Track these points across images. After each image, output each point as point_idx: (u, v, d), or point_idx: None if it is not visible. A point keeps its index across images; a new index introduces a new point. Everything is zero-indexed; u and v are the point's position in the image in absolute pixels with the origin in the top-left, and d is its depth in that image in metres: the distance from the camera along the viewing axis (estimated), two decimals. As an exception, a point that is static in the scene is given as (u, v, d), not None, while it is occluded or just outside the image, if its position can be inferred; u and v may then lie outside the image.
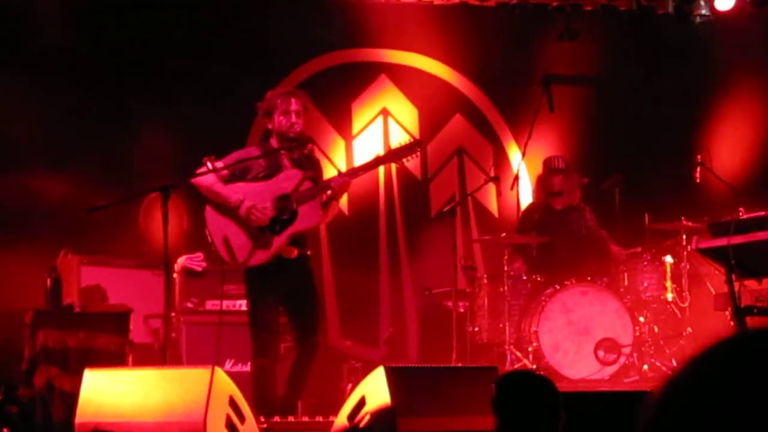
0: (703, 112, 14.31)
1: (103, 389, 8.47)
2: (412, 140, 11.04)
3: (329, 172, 11.46)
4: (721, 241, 11.07)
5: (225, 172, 9.70)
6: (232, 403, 8.28)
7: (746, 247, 10.92)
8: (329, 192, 9.93)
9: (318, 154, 12.72)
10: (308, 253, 10.10)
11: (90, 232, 11.40)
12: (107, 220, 11.01)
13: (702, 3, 13.91)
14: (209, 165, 9.66)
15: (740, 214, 11.28)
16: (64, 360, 9.21)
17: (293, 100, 9.96)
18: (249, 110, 10.42)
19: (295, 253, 9.89)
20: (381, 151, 13.11)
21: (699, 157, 12.05)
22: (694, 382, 1.47)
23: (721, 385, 1.44)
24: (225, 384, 8.30)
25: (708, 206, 12.01)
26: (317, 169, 10.22)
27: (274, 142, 9.93)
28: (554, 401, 5.54)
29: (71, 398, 8.57)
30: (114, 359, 9.35)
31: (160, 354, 10.14)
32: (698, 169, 11.93)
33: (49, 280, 10.05)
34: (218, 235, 9.74)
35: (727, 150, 13.96)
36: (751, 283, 11.28)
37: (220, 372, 8.30)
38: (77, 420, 8.38)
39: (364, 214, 13.72)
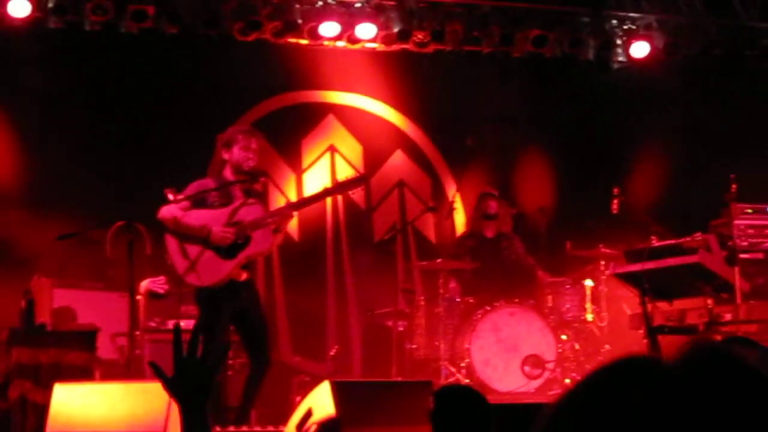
0: (620, 150, 14.37)
1: (72, 402, 8.46)
2: (357, 175, 11.15)
3: (280, 203, 11.48)
4: (636, 267, 11.15)
5: (186, 203, 9.77)
6: (190, 415, 8.24)
7: (658, 272, 10.99)
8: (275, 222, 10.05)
9: (271, 187, 12.82)
10: (253, 278, 10.21)
11: (60, 258, 11.32)
12: (75, 247, 10.96)
13: (619, 51, 13.97)
14: (170, 196, 9.74)
15: (652, 242, 11.36)
16: (37, 375, 9.17)
17: (253, 139, 10.09)
18: (209, 145, 10.40)
19: (244, 276, 9.97)
20: (329, 184, 13.11)
21: (616, 190, 12.11)
22: (576, 401, 1.49)
23: (595, 405, 1.46)
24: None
25: (624, 234, 12.05)
26: (264, 200, 10.34)
27: (227, 173, 9.98)
28: (485, 413, 5.57)
29: (43, 410, 8.54)
30: (82, 374, 9.32)
31: (125, 369, 10.13)
32: (615, 201, 11.98)
33: (23, 302, 10.02)
34: (178, 259, 9.80)
35: (641, 185, 14.05)
36: (662, 305, 11.36)
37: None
38: (48, 430, 8.36)
39: (313, 241, 13.71)
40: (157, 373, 3.77)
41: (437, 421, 5.57)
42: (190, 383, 3.73)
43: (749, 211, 12.76)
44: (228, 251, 9.84)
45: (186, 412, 3.73)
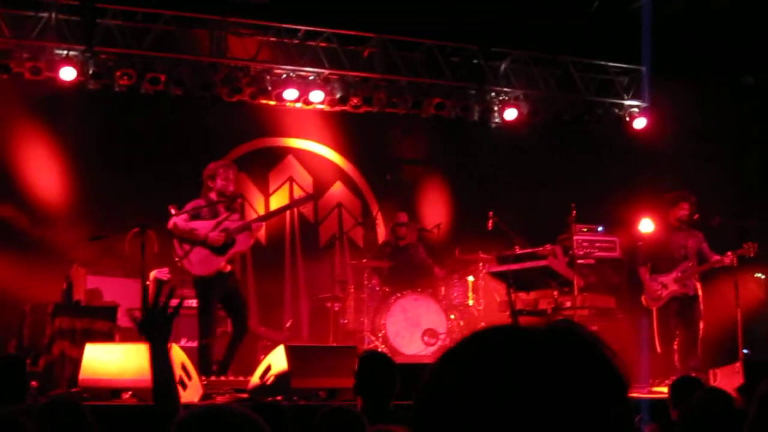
0: (494, 184, 14.42)
1: (98, 357, 8.41)
2: (308, 194, 11.24)
3: (252, 216, 11.46)
4: (504, 268, 11.26)
5: (185, 215, 9.82)
6: (183, 368, 8.25)
7: (519, 271, 11.12)
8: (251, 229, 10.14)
9: (246, 206, 12.80)
10: (234, 269, 10.25)
11: (92, 254, 11.25)
12: (103, 245, 10.89)
13: (496, 115, 14.02)
14: (172, 211, 9.80)
15: (516, 250, 11.44)
16: (73, 337, 9.07)
17: (231, 171, 10.13)
18: (200, 174, 10.38)
19: (228, 268, 10.01)
20: (287, 201, 13.15)
21: (490, 213, 12.15)
22: (449, 359, 1.46)
23: (462, 363, 1.44)
24: (178, 354, 8.29)
25: (496, 244, 12.11)
26: (241, 215, 10.41)
27: (213, 195, 10.00)
28: (392, 371, 5.61)
29: (77, 363, 8.47)
30: (106, 337, 9.24)
31: (137, 335, 10.05)
32: (490, 221, 12.02)
33: (64, 284, 9.94)
34: (179, 249, 9.85)
35: (508, 209, 14.11)
36: (522, 295, 11.48)
37: (175, 347, 8.34)
38: (80, 377, 8.33)
39: (276, 244, 13.67)
40: (133, 321, 3.74)
41: (359, 376, 5.61)
42: (156, 325, 3.71)
43: (585, 229, 12.91)
44: (219, 250, 9.89)
45: (153, 348, 3.71)
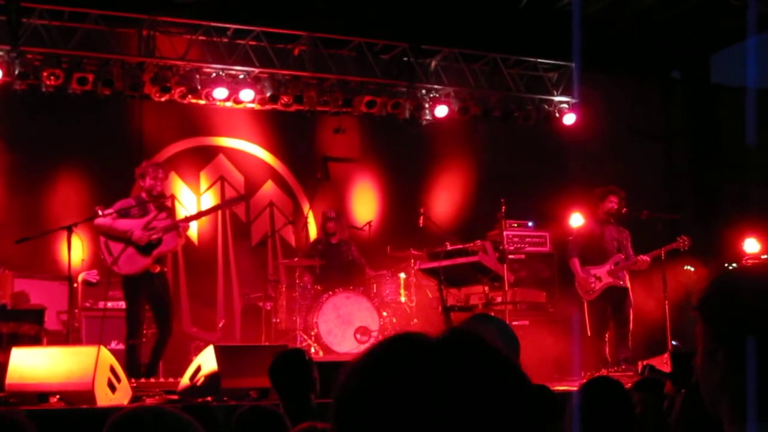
0: (426, 181, 14.51)
1: (25, 361, 8.29)
2: (239, 195, 11.21)
3: (182, 215, 11.39)
4: (435, 264, 11.27)
5: (113, 214, 9.78)
6: (112, 370, 8.18)
7: (450, 268, 11.14)
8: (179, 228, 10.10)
9: (177, 204, 12.72)
10: (165, 270, 10.16)
11: (21, 255, 11.08)
12: (30, 247, 10.76)
13: (427, 111, 14.04)
14: (100, 212, 9.73)
15: (447, 246, 11.47)
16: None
17: (160, 170, 10.10)
18: (130, 174, 10.31)
19: (157, 269, 9.95)
20: (218, 202, 13.09)
21: (421, 209, 12.20)
22: (360, 364, 1.51)
23: (375, 365, 1.49)
24: (107, 357, 8.20)
25: (427, 241, 12.15)
26: (171, 213, 10.30)
27: (144, 194, 9.97)
28: (305, 368, 5.61)
29: (3, 368, 8.35)
30: (33, 341, 9.12)
31: (65, 338, 9.97)
32: (421, 218, 12.07)
33: (-11, 288, 9.84)
34: (106, 248, 9.78)
35: (440, 206, 14.22)
36: (453, 291, 11.51)
37: (104, 349, 8.21)
38: (7, 382, 8.20)
39: (208, 244, 13.61)
40: None
41: (271, 375, 5.62)
42: None
43: (515, 225, 13.02)
44: (145, 249, 9.82)
45: None
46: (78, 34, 12.24)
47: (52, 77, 12.09)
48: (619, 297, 11.62)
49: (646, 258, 11.55)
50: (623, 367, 11.04)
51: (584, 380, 9.90)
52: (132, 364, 9.56)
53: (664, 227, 12.08)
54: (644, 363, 10.14)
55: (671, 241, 11.60)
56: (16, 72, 11.99)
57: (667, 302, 11.30)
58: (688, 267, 13.64)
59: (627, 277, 11.73)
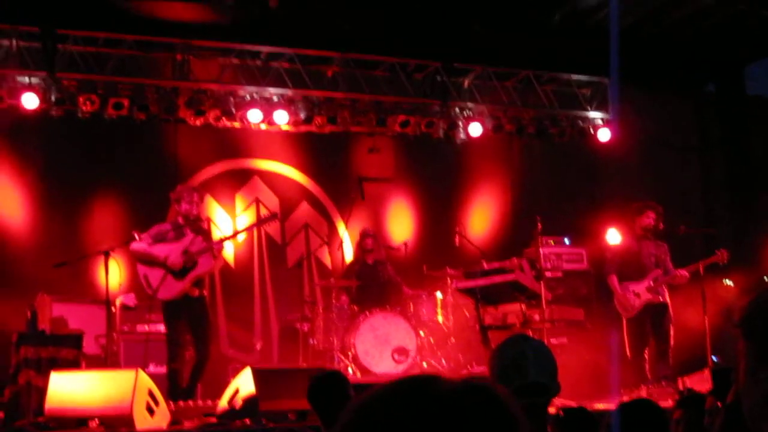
0: (461, 200, 14.48)
1: (64, 386, 8.35)
2: (271, 214, 11.28)
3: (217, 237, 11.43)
4: (472, 283, 11.25)
5: (149, 239, 9.85)
6: (150, 394, 8.23)
7: (487, 286, 11.12)
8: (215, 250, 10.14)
9: (213, 227, 12.78)
10: (204, 293, 10.20)
11: (59, 279, 11.14)
12: (69, 271, 10.84)
13: (461, 130, 14.00)
14: (136, 236, 9.79)
15: (483, 265, 11.44)
16: (39, 366, 9.00)
17: (195, 194, 10.17)
18: (164, 200, 10.39)
19: (196, 292, 9.99)
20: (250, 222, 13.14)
21: (457, 228, 12.19)
22: (363, 405, 1.48)
23: (377, 411, 1.45)
24: (145, 380, 8.26)
25: (463, 260, 12.12)
26: (208, 236, 10.32)
27: (180, 219, 10.03)
28: (344, 389, 5.61)
29: (43, 392, 8.41)
30: (72, 365, 9.16)
31: (104, 361, 10.04)
32: (457, 236, 12.04)
33: (29, 312, 9.87)
34: (145, 280, 9.84)
35: (475, 224, 14.18)
36: (490, 309, 11.46)
37: (141, 373, 8.27)
38: (46, 406, 8.27)
39: (244, 266, 13.61)
40: None
41: (309, 398, 5.62)
42: None
43: (551, 242, 12.95)
44: (180, 273, 9.87)
45: None
46: (113, 59, 12.34)
47: (88, 103, 12.17)
48: (659, 313, 11.52)
49: (684, 273, 11.46)
50: (663, 384, 10.92)
51: (623, 398, 9.83)
52: (173, 387, 9.61)
53: (701, 241, 11.97)
54: (683, 378, 10.05)
55: (709, 254, 11.51)
56: (53, 98, 12.10)
57: (706, 317, 11.20)
58: (727, 281, 13.52)
59: (666, 292, 11.63)
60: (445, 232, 12.56)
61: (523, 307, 11.32)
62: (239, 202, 13.80)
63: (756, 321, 1.99)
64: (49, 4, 12.15)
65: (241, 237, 12.64)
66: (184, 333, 10.04)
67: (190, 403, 9.41)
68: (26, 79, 12.04)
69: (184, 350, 10.12)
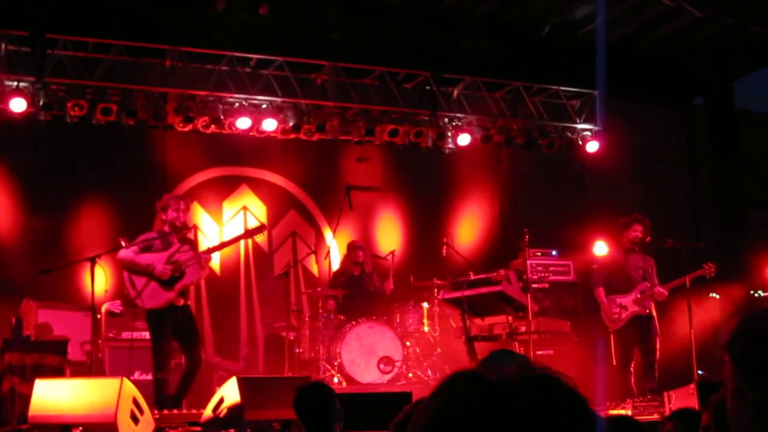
0: (449, 210, 14.49)
1: (48, 393, 8.33)
2: (260, 225, 11.22)
3: (205, 246, 11.43)
4: (458, 294, 11.25)
5: (136, 248, 9.85)
6: (135, 402, 8.23)
7: (473, 297, 11.13)
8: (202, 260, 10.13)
9: (199, 235, 12.78)
10: (188, 303, 10.23)
11: (44, 285, 11.12)
12: (54, 278, 10.82)
13: (450, 140, 14.03)
14: (123, 243, 9.80)
15: (470, 276, 11.45)
16: (23, 373, 9.00)
17: (182, 202, 10.15)
18: (151, 207, 10.38)
19: (181, 302, 9.99)
20: (241, 232, 13.09)
21: (444, 239, 12.20)
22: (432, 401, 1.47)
23: (441, 401, 1.45)
24: (130, 388, 8.25)
25: (450, 270, 12.12)
26: (194, 246, 10.33)
27: (166, 228, 10.01)
28: (328, 399, 5.61)
29: (27, 399, 8.38)
30: (56, 372, 9.16)
31: (89, 369, 10.01)
32: (444, 247, 12.05)
33: (13, 318, 9.86)
34: (130, 282, 9.84)
35: (463, 235, 14.19)
36: (477, 320, 11.48)
37: (126, 381, 8.27)
38: (30, 414, 8.24)
39: (231, 274, 13.60)
40: None
41: (295, 408, 5.62)
42: None
43: (538, 253, 12.97)
44: (168, 282, 9.85)
45: None
46: (102, 64, 12.33)
47: (76, 108, 12.16)
48: (645, 326, 11.53)
49: (662, 290, 11.46)
50: (649, 397, 10.93)
51: (607, 412, 9.85)
52: (160, 396, 9.59)
53: (688, 254, 11.98)
54: (669, 393, 10.06)
55: (696, 268, 11.54)
56: (41, 103, 12.09)
57: (692, 331, 11.21)
58: (714, 294, 13.55)
59: (653, 305, 11.65)
60: (432, 243, 12.58)
61: (510, 318, 11.35)
62: (227, 210, 13.79)
63: (742, 344, 2.00)
64: (39, 8, 12.15)
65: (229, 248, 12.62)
66: (170, 342, 10.03)
67: (175, 411, 9.39)
68: (14, 84, 12.03)
69: (170, 359, 10.12)
